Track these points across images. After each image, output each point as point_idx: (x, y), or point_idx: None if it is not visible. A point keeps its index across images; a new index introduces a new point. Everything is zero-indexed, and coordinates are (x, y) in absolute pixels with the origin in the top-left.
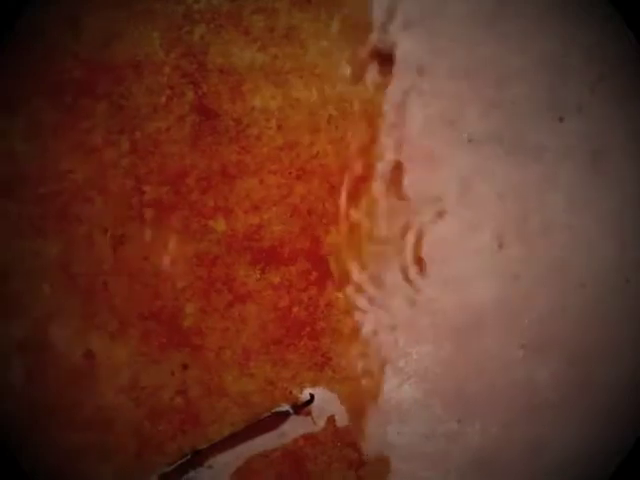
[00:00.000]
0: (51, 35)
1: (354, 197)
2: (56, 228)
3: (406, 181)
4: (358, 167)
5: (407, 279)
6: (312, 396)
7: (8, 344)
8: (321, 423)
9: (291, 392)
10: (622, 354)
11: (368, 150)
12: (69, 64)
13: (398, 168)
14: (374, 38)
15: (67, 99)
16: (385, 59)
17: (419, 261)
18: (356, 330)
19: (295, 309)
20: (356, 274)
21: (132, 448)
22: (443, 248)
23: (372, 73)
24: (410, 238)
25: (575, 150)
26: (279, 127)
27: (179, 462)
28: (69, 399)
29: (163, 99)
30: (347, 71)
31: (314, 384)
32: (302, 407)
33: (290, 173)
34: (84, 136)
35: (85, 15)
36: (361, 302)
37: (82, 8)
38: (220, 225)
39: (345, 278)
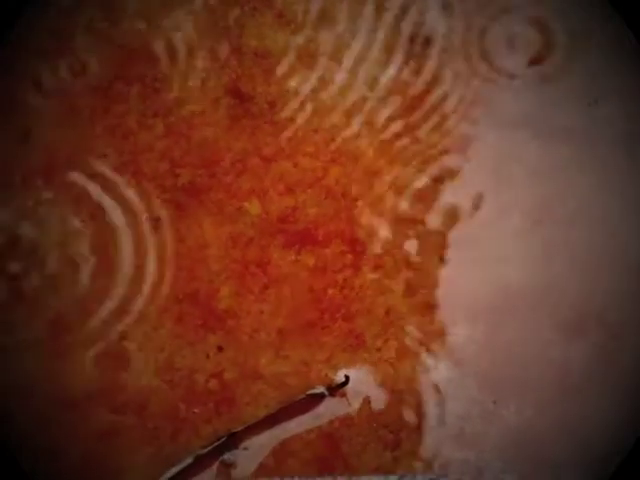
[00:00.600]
0: (86, 19)
1: (388, 179)
2: (92, 213)
3: (442, 164)
4: (393, 148)
5: (442, 260)
6: (347, 378)
7: (41, 326)
8: (356, 405)
9: (326, 374)
10: None
11: (403, 132)
12: (104, 48)
13: (434, 150)
14: (409, 21)
15: (102, 83)
16: (420, 42)
17: (453, 243)
18: (390, 311)
19: (330, 291)
20: (390, 256)
21: (168, 430)
22: (478, 230)
23: (406, 56)
24: (446, 220)
25: (607, 133)
26: (313, 110)
27: (215, 444)
28: (105, 382)
29: (198, 82)
30: (381, 53)
31: (349, 366)
32: (337, 389)
33: (324, 155)
34: (118, 120)
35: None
36: (395, 284)
37: None
38: (255, 207)
39: (380, 260)
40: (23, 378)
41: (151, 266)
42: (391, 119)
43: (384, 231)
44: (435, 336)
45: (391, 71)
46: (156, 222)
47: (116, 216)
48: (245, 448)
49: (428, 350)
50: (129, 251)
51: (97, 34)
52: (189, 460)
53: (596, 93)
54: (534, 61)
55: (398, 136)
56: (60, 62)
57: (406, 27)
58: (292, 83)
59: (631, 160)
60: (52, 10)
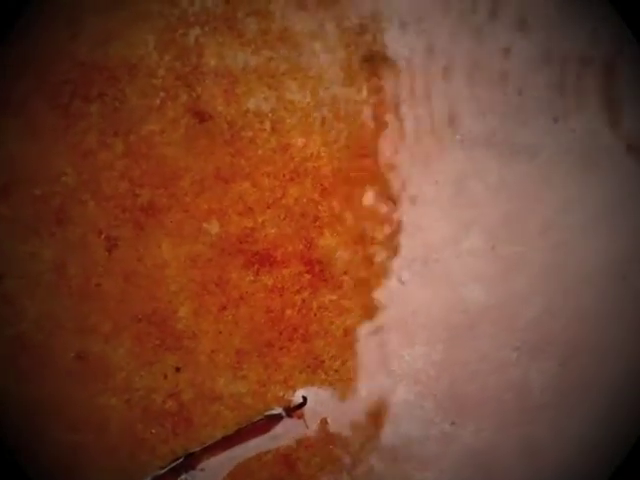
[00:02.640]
0: (48, 35)
1: (347, 199)
2: (50, 231)
3: (400, 183)
4: (351, 169)
5: (399, 280)
6: (305, 399)
7: (2, 345)
8: (314, 426)
9: (284, 395)
10: (619, 354)
11: (361, 152)
12: (65, 65)
13: (392, 170)
14: (368, 40)
15: (62, 100)
16: (378, 61)
17: (412, 262)
18: (349, 332)
19: (288, 312)
20: (349, 277)
21: (125, 450)
22: (437, 249)
23: (366, 75)
24: (402, 240)
25: (569, 150)
26: (273, 129)
27: (172, 465)
28: (63, 400)
29: (157, 101)
30: (341, 73)
31: (307, 387)
32: (294, 410)
33: (284, 175)
34: (78, 138)
35: (82, 16)
36: (354, 305)
37: (79, 9)
38: (214, 227)
39: (338, 281)
40: None
41: (109, 285)
42: (350, 139)
43: (343, 252)
44: (393, 357)
45: (351, 91)
46: (115, 241)
47: (75, 235)
48: (202, 469)
49: (386, 371)
50: (88, 269)
51: (58, 50)
52: None
53: (560, 109)
54: None
55: (357, 156)
56: (20, 78)
57: (366, 47)
58: (252, 103)
59: (594, 178)
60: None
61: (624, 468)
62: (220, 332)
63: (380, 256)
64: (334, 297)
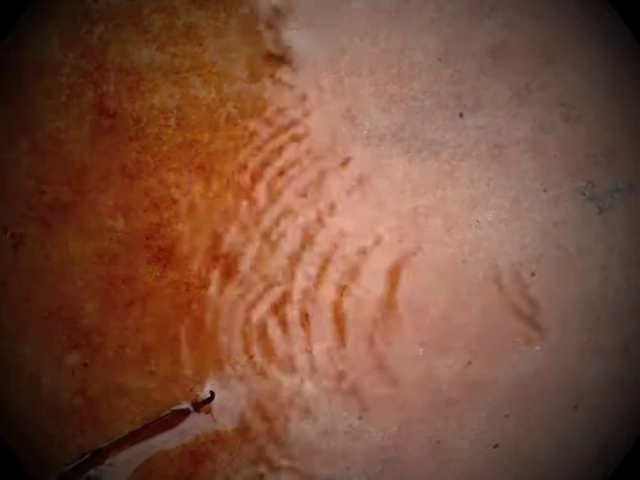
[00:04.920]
0: None
1: (252, 194)
2: None
3: (304, 178)
4: (257, 164)
5: (308, 276)
6: (212, 393)
7: None
8: (222, 421)
9: (192, 390)
10: (526, 350)
11: (266, 147)
12: None
13: (296, 165)
14: (271, 36)
15: None
16: (282, 57)
17: (319, 257)
18: (256, 327)
19: (194, 306)
20: (255, 271)
21: (32, 447)
22: (340, 245)
23: (270, 71)
24: (306, 234)
25: (475, 146)
26: (178, 125)
27: (79, 461)
28: None
29: (63, 99)
30: (245, 69)
31: (214, 381)
32: (202, 404)
33: (189, 171)
34: None
35: None
36: (261, 299)
37: None
38: (119, 224)
39: (244, 276)
40: None
41: (15, 283)
42: (254, 135)
43: (249, 248)
44: (301, 352)
45: (256, 87)
46: (21, 239)
47: None
48: (110, 464)
49: (293, 366)
50: None
51: None
52: (53, 478)
53: (466, 104)
54: None
55: (261, 150)
56: None
57: (271, 44)
58: (157, 99)
59: (501, 174)
60: None
61: (527, 463)
62: (127, 328)
63: (287, 252)
64: (240, 292)
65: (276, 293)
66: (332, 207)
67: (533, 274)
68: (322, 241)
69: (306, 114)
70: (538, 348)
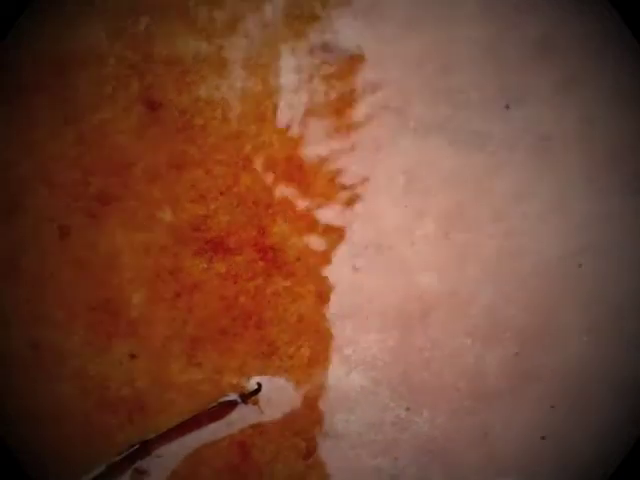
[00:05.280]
0: None
1: (300, 186)
2: (2, 219)
3: (352, 169)
4: (304, 156)
5: (353, 267)
6: (259, 385)
7: None
8: (268, 412)
9: (238, 382)
10: (573, 342)
11: (314, 139)
12: (12, 56)
13: (345, 157)
14: (317, 28)
15: (11, 91)
16: (329, 49)
17: (365, 250)
18: (303, 319)
19: (242, 298)
20: (302, 263)
21: (80, 438)
22: (390, 237)
23: (316, 62)
24: (357, 226)
25: (521, 138)
26: (224, 117)
27: (127, 452)
28: (16, 389)
29: (109, 90)
30: (291, 61)
31: (262, 373)
32: (249, 396)
33: (236, 163)
34: (29, 127)
35: (29, 6)
36: (307, 291)
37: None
38: (167, 215)
39: (291, 267)
40: None
41: (63, 273)
42: (303, 127)
43: (296, 239)
44: (347, 344)
45: (301, 78)
46: (68, 230)
47: (27, 224)
48: (158, 456)
49: (341, 357)
50: (41, 258)
51: (4, 42)
52: (102, 468)
53: (512, 96)
54: None
55: (310, 144)
56: None
57: (316, 35)
58: (203, 91)
59: (547, 166)
60: None
61: (578, 453)
62: (174, 319)
63: (333, 243)
64: (288, 284)
65: (324, 285)
66: (378, 198)
67: (580, 265)
68: (368, 232)
69: (352, 106)
70: (585, 339)
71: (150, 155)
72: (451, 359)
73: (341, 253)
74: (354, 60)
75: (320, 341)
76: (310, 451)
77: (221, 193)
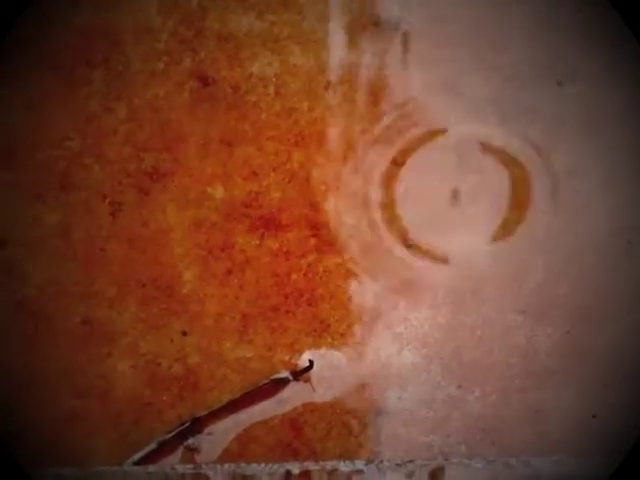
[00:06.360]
0: (48, 2)
1: (352, 163)
2: (55, 195)
3: (404, 146)
4: (357, 133)
5: (406, 245)
6: (311, 362)
7: (7, 311)
8: (320, 390)
9: (290, 359)
10: (624, 320)
11: (367, 115)
12: (66, 32)
13: (398, 134)
14: (371, 5)
15: (65, 67)
16: (383, 26)
17: (419, 227)
18: (355, 296)
19: (294, 275)
20: (354, 240)
21: (131, 415)
22: (442, 215)
23: (369, 39)
24: (408, 205)
25: (572, 114)
26: (277, 93)
27: (178, 429)
28: (68, 366)
29: (161, 65)
30: (344, 37)
31: (313, 350)
32: (301, 373)
33: (288, 139)
34: (82, 103)
35: None
36: (359, 268)
37: None
38: (218, 192)
39: (343, 244)
40: None
41: (114, 250)
42: (354, 103)
43: (348, 216)
44: (399, 321)
45: (355, 55)
46: (119, 206)
47: (79, 199)
48: (209, 433)
49: (392, 335)
50: (92, 234)
51: (59, 18)
52: (153, 445)
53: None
54: None
55: (362, 120)
56: (22, 47)
57: (370, 12)
58: (256, 67)
59: (597, 143)
60: None
61: (626, 433)
62: (226, 296)
63: (385, 220)
64: (340, 260)
65: (375, 261)
66: (432, 175)
67: (629, 242)
68: (421, 209)
69: (406, 82)
70: (636, 317)
71: (202, 131)
72: (502, 337)
73: (393, 230)
74: (406, 37)
75: (372, 318)
76: (362, 428)
77: (273, 169)
